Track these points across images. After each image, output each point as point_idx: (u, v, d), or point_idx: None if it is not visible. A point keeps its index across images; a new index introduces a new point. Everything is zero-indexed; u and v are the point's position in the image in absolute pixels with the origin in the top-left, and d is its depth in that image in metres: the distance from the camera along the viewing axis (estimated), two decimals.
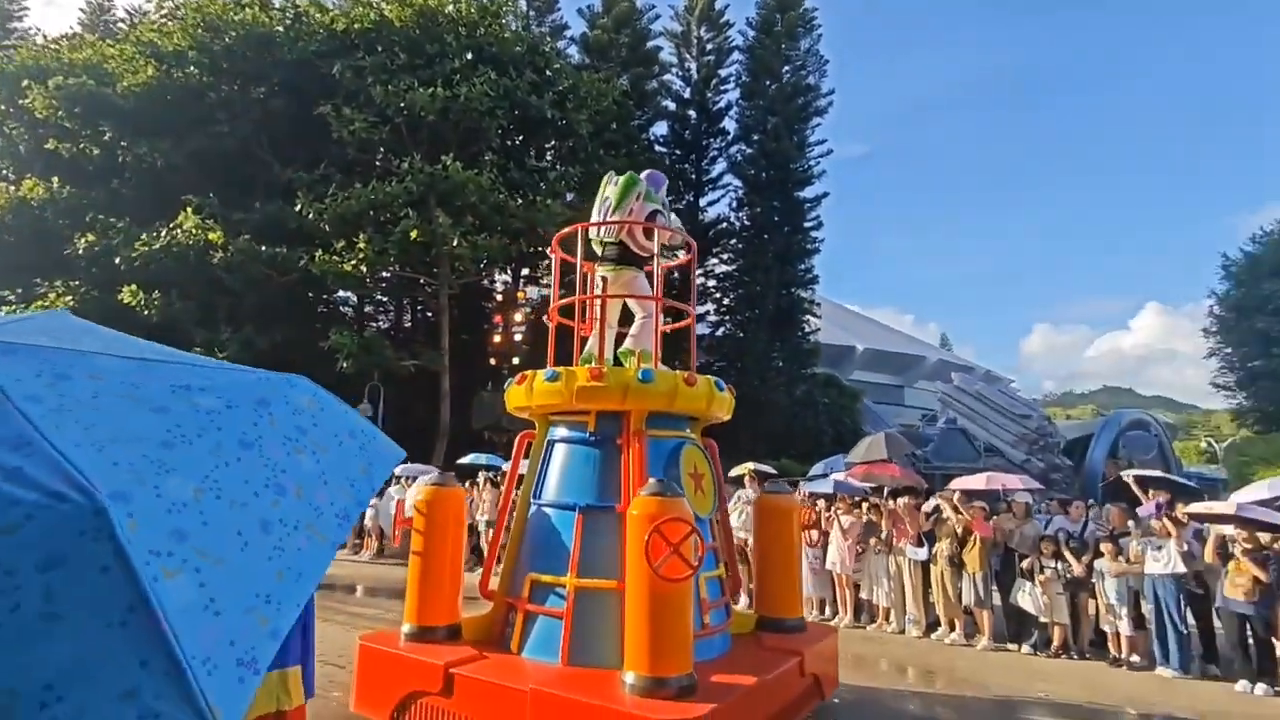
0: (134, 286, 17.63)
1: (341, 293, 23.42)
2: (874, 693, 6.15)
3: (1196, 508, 8.08)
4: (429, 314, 24.24)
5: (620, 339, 5.86)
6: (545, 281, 25.04)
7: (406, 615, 4.88)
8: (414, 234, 17.48)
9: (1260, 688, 6.75)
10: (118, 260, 17.94)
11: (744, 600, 8.65)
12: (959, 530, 8.59)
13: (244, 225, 18.86)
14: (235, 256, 17.87)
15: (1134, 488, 8.56)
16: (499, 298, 22.32)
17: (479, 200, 17.87)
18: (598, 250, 5.84)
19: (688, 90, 28.85)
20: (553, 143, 22.13)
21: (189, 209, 18.01)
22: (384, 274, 20.90)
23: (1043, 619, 8.13)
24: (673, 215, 6.30)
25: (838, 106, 28.03)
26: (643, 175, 5.80)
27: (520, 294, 21.51)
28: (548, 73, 20.42)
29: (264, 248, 18.28)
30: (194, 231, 17.68)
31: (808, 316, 27.26)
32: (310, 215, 17.90)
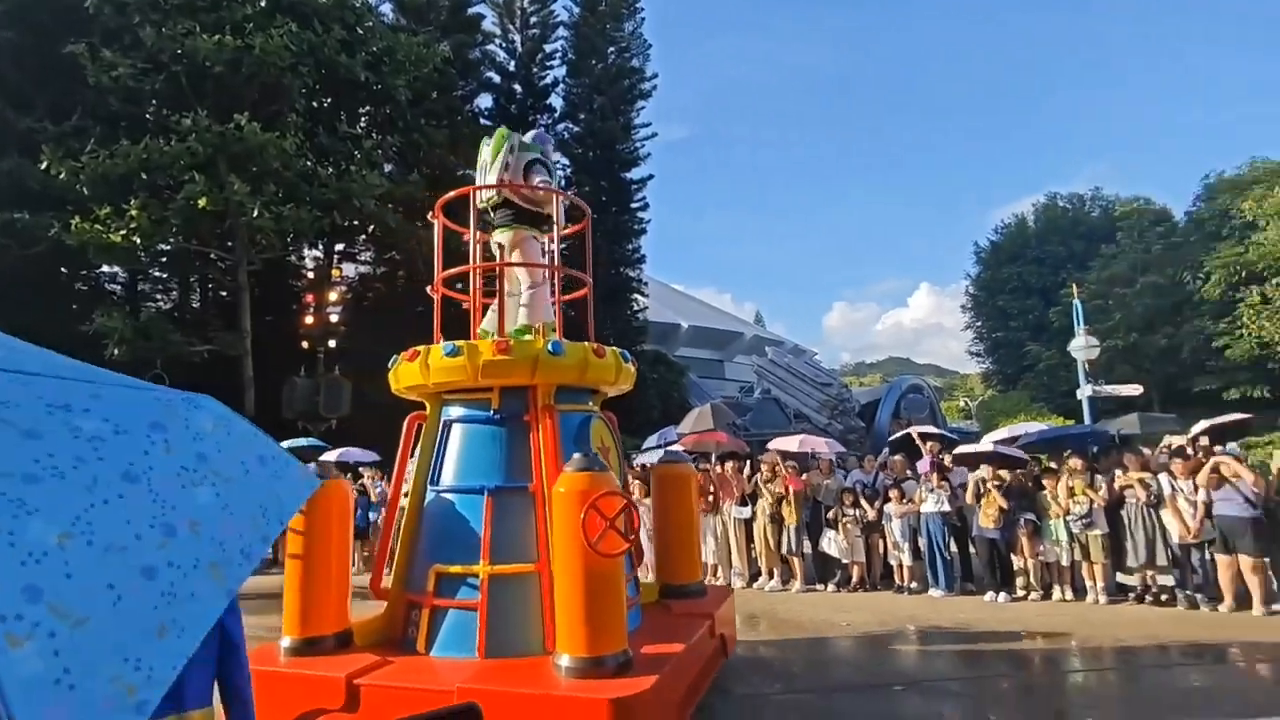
0: None
1: (108, 268, 20.01)
2: None
3: (961, 449, 9.69)
4: (224, 293, 21.53)
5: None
6: (364, 258, 23.25)
7: (286, 627, 4.30)
8: (202, 202, 15.32)
9: (1002, 596, 8.29)
10: None
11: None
12: (779, 490, 9.48)
13: None
14: None
15: (918, 441, 10.03)
16: (310, 275, 20.35)
17: (282, 166, 16.08)
18: (489, 218, 5.53)
19: (512, 63, 28.11)
20: (367, 108, 20.48)
21: None
22: (164, 247, 18.16)
23: (844, 560, 9.28)
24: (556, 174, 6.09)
25: (659, 88, 28.89)
26: (529, 134, 5.58)
27: (335, 271, 19.77)
28: (359, 30, 18.78)
29: None
30: None
31: (636, 295, 28.07)
32: (62, 175, 14.99)
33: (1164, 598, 7.85)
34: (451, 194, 5.65)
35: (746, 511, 9.72)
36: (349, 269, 22.53)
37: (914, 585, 8.89)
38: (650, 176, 28.09)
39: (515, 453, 4.72)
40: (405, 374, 4.85)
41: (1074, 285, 24.34)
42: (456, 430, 4.93)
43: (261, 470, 0.87)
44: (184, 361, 16.92)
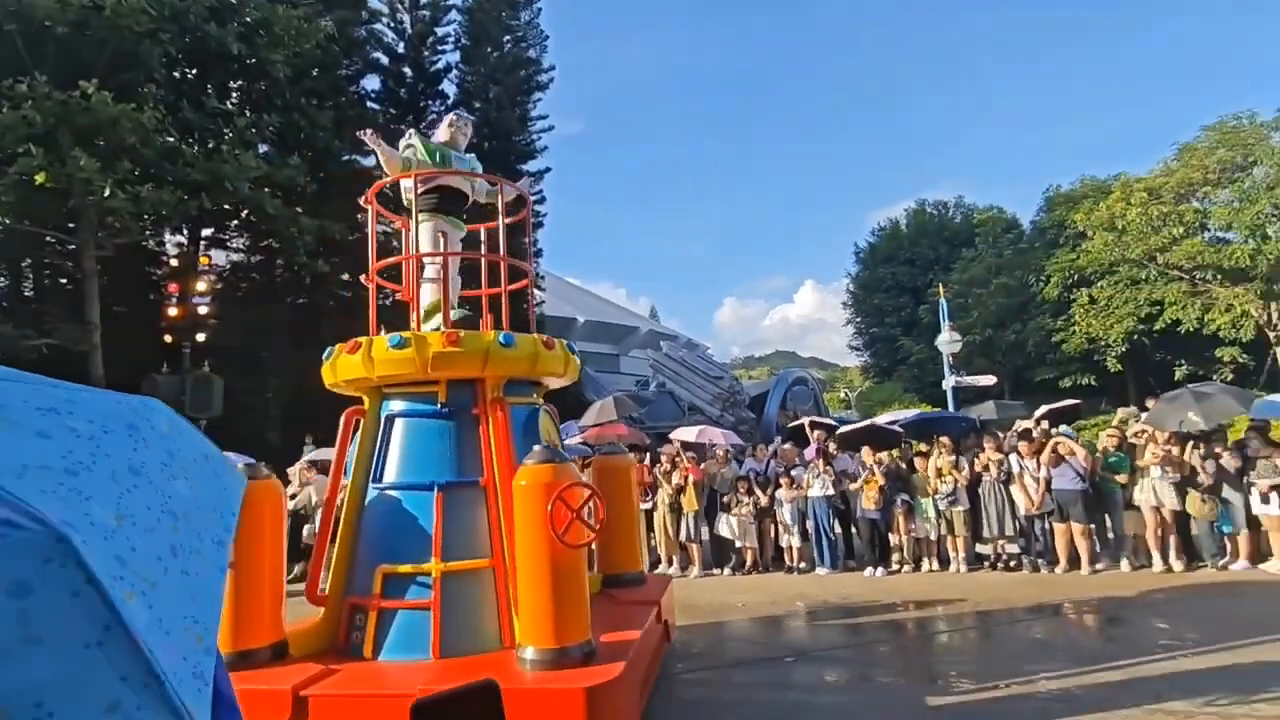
0: None
1: None
2: None
3: (845, 429, 10.48)
4: (64, 280, 19.29)
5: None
6: (236, 245, 21.53)
7: None
8: (41, 177, 13.66)
9: (879, 571, 9.03)
10: None
11: None
12: (679, 481, 9.82)
13: None
14: None
15: (808, 431, 10.72)
16: (173, 263, 18.57)
17: (140, 142, 14.59)
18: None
19: (401, 44, 26.95)
20: (239, 83, 18.96)
21: None
22: None
23: (739, 544, 9.75)
24: (465, 156, 5.76)
25: (556, 81, 28.69)
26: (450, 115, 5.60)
27: (204, 258, 18.19)
28: None
29: None
30: None
31: (533, 289, 27.82)
32: None
33: (1012, 564, 8.86)
34: (385, 180, 5.41)
35: (647, 503, 9.98)
36: (219, 256, 20.80)
37: (802, 565, 9.49)
38: (547, 169, 27.90)
39: (464, 447, 4.58)
40: (345, 366, 4.59)
41: (940, 286, 26.60)
42: (400, 425, 4.72)
43: (207, 466, 0.92)
44: (19, 357, 15.02)
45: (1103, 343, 27.54)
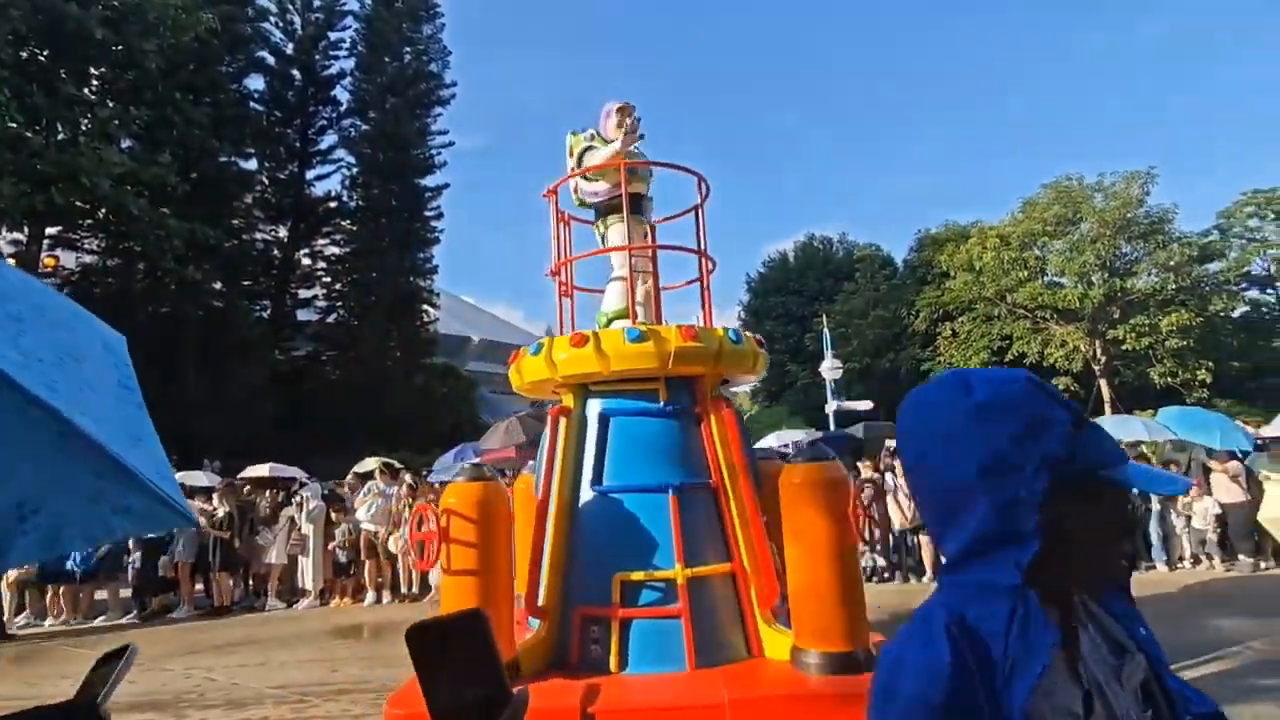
0: None
1: None
2: None
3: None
4: None
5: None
6: (88, 245, 19.45)
7: None
8: None
9: None
10: None
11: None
12: None
13: None
14: None
15: None
16: (12, 261, 16.52)
17: None
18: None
19: (291, 45, 25.71)
20: (102, 70, 17.35)
21: None
22: None
23: None
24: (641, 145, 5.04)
25: (460, 93, 28.26)
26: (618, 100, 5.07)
27: (49, 260, 16.32)
28: None
29: None
30: None
31: (426, 306, 27.04)
32: None
33: (886, 575, 9.54)
34: (578, 171, 4.94)
35: None
36: (67, 259, 18.74)
37: None
38: (446, 185, 27.33)
39: (691, 447, 4.32)
40: (571, 361, 4.19)
41: (824, 316, 28.40)
42: (618, 424, 4.34)
43: (79, 321, 0.85)
44: None
45: None
